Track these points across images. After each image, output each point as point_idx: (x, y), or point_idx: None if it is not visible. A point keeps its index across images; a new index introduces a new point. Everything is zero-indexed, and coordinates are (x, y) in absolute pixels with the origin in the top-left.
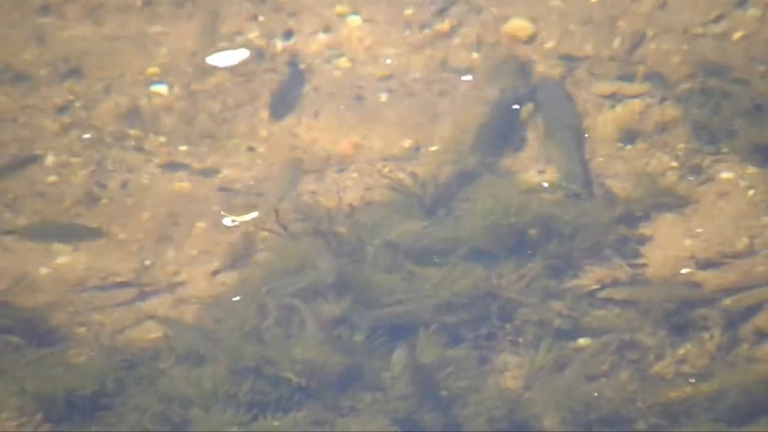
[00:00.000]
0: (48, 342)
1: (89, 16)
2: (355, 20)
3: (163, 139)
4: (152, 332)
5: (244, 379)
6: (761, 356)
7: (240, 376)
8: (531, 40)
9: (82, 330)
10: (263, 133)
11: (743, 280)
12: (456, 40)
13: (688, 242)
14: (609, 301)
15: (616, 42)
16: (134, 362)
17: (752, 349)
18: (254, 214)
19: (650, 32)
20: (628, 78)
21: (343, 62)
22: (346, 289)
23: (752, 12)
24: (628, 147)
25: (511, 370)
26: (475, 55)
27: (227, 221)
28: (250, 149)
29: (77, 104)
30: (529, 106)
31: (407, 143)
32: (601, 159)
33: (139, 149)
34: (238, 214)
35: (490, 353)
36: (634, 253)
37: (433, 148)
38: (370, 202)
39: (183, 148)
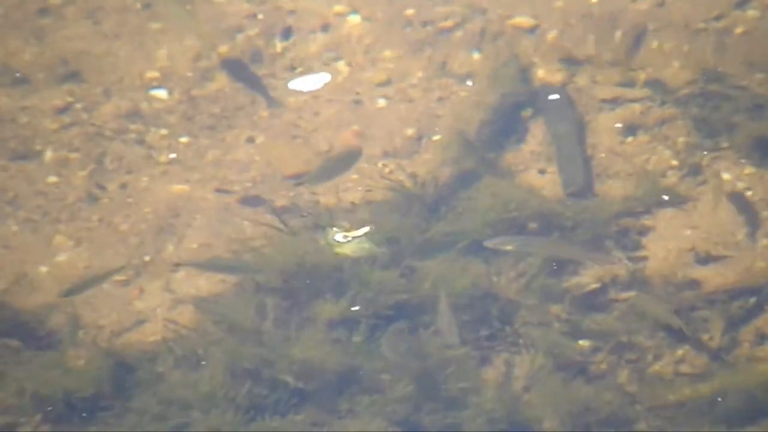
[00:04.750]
0: (47, 345)
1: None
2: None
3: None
4: (151, 335)
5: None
6: (763, 356)
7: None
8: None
9: (79, 333)
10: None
11: (744, 277)
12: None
13: (688, 232)
14: None
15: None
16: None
17: (753, 350)
18: (366, 229)
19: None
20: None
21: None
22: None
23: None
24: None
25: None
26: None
27: (339, 237)
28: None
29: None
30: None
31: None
32: (602, 156)
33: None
34: (349, 230)
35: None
36: (635, 246)
37: (436, 137)
38: (371, 201)
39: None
